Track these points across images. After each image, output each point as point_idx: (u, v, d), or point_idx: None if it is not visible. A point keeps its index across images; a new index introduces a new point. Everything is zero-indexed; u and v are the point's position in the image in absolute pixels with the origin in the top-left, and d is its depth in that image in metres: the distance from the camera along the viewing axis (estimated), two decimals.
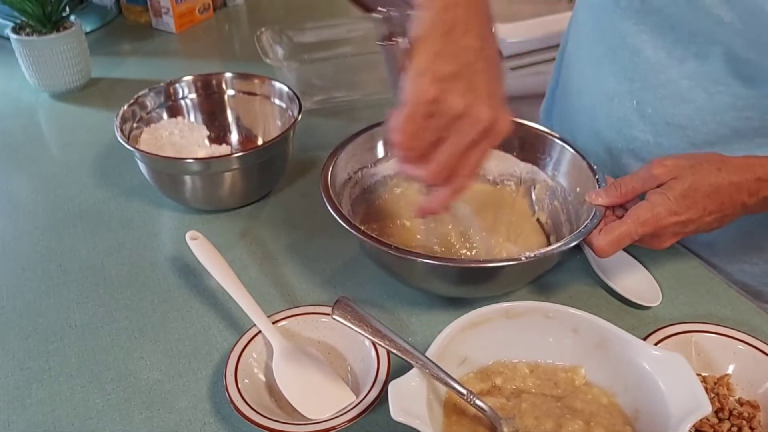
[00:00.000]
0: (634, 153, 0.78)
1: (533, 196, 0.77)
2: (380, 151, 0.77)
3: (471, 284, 0.66)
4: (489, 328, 0.56)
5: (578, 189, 0.72)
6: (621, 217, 0.63)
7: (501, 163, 0.78)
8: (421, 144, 0.54)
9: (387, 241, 0.62)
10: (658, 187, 0.61)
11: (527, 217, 0.76)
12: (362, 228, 0.63)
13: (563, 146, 0.74)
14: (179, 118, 0.89)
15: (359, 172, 0.76)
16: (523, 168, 0.77)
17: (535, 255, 0.61)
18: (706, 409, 0.48)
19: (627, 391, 0.54)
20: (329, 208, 0.65)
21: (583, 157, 0.72)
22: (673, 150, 0.73)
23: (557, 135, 0.75)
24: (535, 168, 0.77)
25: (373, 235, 0.63)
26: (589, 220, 0.63)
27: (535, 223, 0.76)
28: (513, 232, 0.74)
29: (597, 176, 0.69)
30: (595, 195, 0.65)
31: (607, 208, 0.64)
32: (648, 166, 0.62)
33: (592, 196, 0.65)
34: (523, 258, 0.60)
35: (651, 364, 0.52)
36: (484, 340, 0.56)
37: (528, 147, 0.77)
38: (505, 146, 0.78)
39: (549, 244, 0.73)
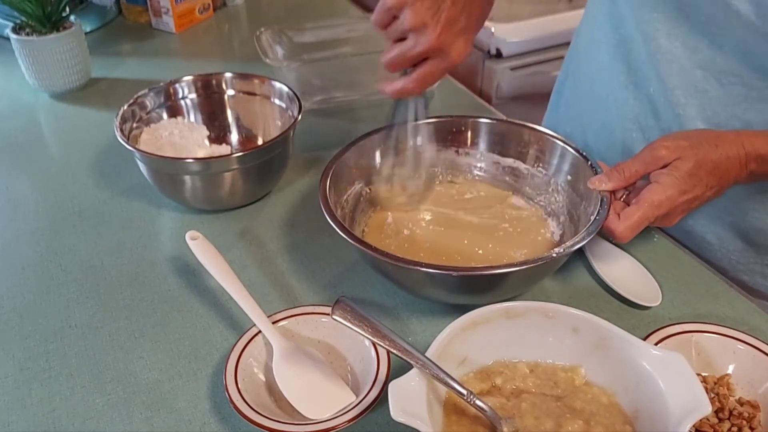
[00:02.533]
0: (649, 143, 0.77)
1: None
2: (378, 157, 0.78)
3: (474, 292, 0.65)
4: (489, 328, 0.56)
5: (569, 177, 0.73)
6: (620, 199, 0.65)
7: (484, 159, 0.80)
8: (389, 34, 0.66)
9: (387, 251, 0.61)
10: (662, 167, 0.62)
11: (530, 212, 0.77)
12: (361, 238, 0.63)
13: (546, 137, 0.75)
14: (179, 118, 0.89)
15: (361, 178, 0.76)
16: (506, 162, 0.79)
17: (555, 253, 0.61)
18: (707, 408, 0.48)
19: (627, 390, 0.54)
20: (328, 218, 0.65)
21: (569, 144, 0.72)
22: None
23: (534, 126, 0.76)
24: (517, 161, 0.78)
25: (373, 245, 0.62)
26: (600, 207, 0.64)
27: (540, 215, 0.76)
28: (519, 228, 0.74)
29: (590, 162, 0.70)
30: (598, 181, 0.66)
31: (611, 192, 0.65)
32: (649, 148, 0.63)
33: (594, 183, 0.66)
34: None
35: (651, 364, 0.52)
36: (484, 339, 0.56)
37: (506, 142, 0.78)
38: (488, 145, 0.79)
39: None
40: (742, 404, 0.57)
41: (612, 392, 0.55)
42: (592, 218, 0.64)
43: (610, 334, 0.55)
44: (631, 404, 0.53)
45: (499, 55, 1.42)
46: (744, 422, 0.55)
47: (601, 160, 0.71)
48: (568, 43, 1.44)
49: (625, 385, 0.54)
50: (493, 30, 1.41)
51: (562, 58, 1.46)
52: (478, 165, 0.80)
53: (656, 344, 0.59)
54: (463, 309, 0.67)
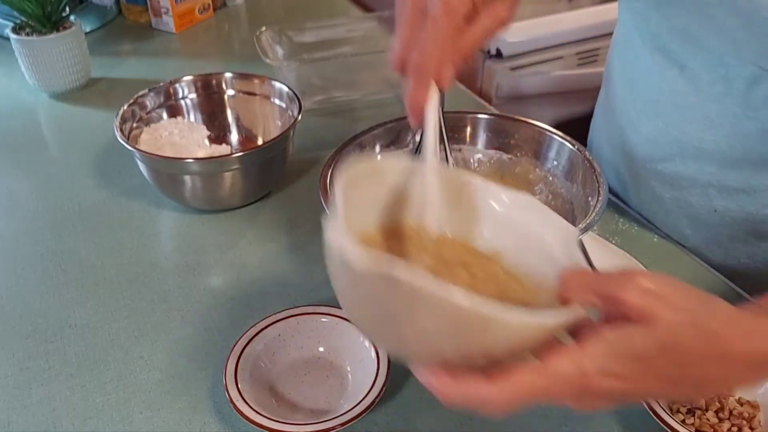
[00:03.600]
0: (662, 175, 0.75)
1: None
2: (379, 154, 0.78)
3: None
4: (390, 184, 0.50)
5: (556, 162, 0.73)
6: None
7: (481, 154, 0.80)
8: None
9: None
10: (618, 317, 0.39)
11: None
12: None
13: (543, 132, 0.75)
14: (179, 118, 0.89)
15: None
16: (491, 155, 0.79)
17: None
18: (575, 230, 0.48)
19: (482, 235, 0.51)
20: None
21: (565, 139, 0.73)
22: (702, 175, 0.70)
23: (531, 121, 0.76)
24: (500, 152, 0.78)
25: None
26: (599, 204, 0.64)
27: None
28: None
29: (585, 154, 0.70)
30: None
31: None
32: (624, 283, 0.39)
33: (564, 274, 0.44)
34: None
35: (503, 206, 0.50)
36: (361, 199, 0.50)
37: (502, 137, 0.78)
38: (485, 141, 0.79)
39: None
40: (741, 404, 0.57)
41: (471, 239, 0.50)
42: (592, 209, 0.64)
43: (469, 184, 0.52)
44: (490, 245, 0.50)
45: (499, 55, 1.42)
46: (744, 422, 0.55)
47: (634, 197, 0.70)
48: (568, 43, 1.44)
49: (480, 230, 0.51)
50: None
51: (562, 58, 1.47)
52: (475, 158, 0.80)
53: None
54: None
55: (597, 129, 0.90)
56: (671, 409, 0.57)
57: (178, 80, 0.89)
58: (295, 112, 0.83)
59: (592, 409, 0.42)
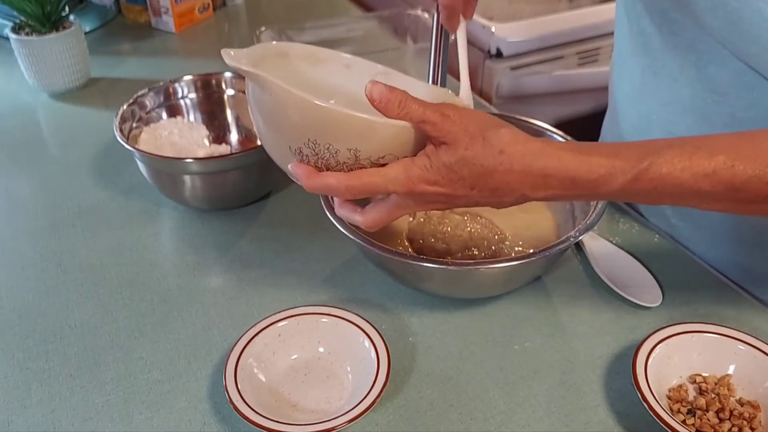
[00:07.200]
0: None
1: None
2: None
3: (473, 286, 0.65)
4: (294, 67, 0.59)
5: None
6: None
7: None
8: None
9: (386, 246, 0.61)
10: (429, 138, 0.52)
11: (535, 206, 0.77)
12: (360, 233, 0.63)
13: (540, 131, 0.75)
14: (179, 118, 0.89)
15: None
16: None
17: (542, 252, 0.61)
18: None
19: None
20: (328, 214, 0.65)
21: (565, 138, 0.73)
22: None
23: (527, 119, 0.76)
24: None
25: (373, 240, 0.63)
26: (599, 204, 0.64)
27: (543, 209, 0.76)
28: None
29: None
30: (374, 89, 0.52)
31: None
32: (436, 116, 0.51)
33: (367, 87, 0.52)
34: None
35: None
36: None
37: None
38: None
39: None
40: (742, 404, 0.57)
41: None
42: (592, 209, 0.64)
43: (388, 76, 0.63)
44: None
45: (499, 55, 1.42)
46: (744, 422, 0.55)
47: None
48: (568, 43, 1.44)
49: None
50: (493, 30, 1.41)
51: (562, 57, 1.47)
52: None
53: (656, 345, 0.59)
54: (464, 307, 0.68)
55: (605, 128, 0.91)
56: (672, 410, 0.57)
57: (177, 80, 0.89)
58: None
59: (431, 208, 0.55)
